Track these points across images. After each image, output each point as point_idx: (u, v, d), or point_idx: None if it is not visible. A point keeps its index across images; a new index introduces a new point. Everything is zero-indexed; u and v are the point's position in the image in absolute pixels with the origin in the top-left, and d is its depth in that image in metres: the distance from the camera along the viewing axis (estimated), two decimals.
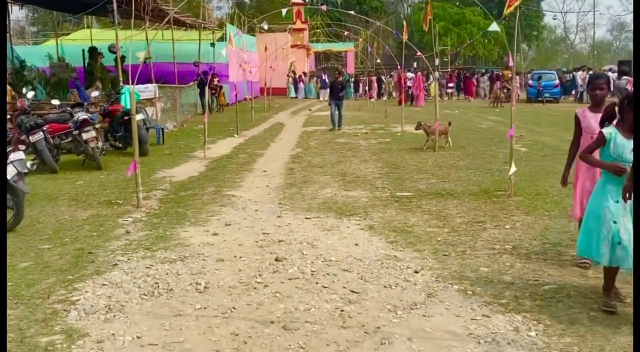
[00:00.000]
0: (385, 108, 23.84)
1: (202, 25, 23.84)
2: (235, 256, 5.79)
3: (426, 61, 19.56)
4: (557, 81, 32.39)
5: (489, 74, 39.49)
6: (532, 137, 15.68)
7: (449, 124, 14.18)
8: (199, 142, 14.12)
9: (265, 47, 26.60)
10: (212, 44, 25.02)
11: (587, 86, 5.55)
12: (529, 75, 36.50)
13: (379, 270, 5.33)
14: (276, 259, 5.62)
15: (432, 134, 13.29)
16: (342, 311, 4.43)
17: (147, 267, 5.47)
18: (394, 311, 4.41)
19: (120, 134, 13.54)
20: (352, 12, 18.89)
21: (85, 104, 13.17)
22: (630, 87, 14.10)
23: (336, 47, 54.30)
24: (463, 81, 39.08)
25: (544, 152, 13.04)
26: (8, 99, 14.90)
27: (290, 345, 3.89)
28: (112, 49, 17.54)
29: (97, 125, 11.77)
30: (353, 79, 42.60)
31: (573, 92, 33.39)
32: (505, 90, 29.48)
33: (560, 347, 3.81)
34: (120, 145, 13.74)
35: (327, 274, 5.24)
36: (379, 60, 31.57)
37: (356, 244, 6.15)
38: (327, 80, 37.08)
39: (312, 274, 5.23)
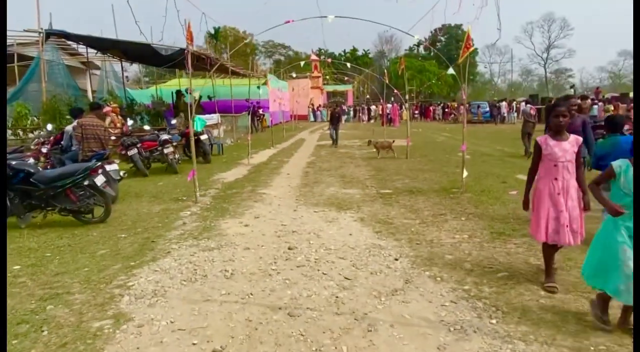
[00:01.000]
0: (373, 128, 22.79)
1: (250, 74, 22.96)
2: (258, 245, 4.91)
3: (400, 97, 18.50)
4: (488, 109, 31.11)
5: (441, 105, 38.44)
6: (474, 148, 14.56)
7: (392, 141, 13.09)
8: (246, 153, 13.26)
9: (292, 88, 25.65)
10: (258, 87, 24.21)
11: (548, 113, 3.71)
12: (469, 104, 35.15)
13: (367, 258, 4.42)
14: (289, 248, 4.74)
15: (381, 148, 12.38)
16: (337, 297, 3.53)
17: (191, 255, 4.61)
18: (378, 297, 3.51)
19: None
20: (348, 64, 17.75)
21: (168, 128, 12.40)
22: (533, 112, 13.11)
23: (340, 88, 53.18)
24: (422, 110, 38.90)
25: (483, 159, 11.98)
26: (118, 125, 14.20)
27: (292, 332, 3.01)
28: (187, 91, 16.74)
29: (175, 143, 10.94)
30: (352, 109, 41.52)
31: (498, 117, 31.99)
32: (452, 116, 28.32)
33: (519, 336, 2.89)
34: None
35: (327, 261, 4.34)
36: (368, 96, 30.53)
37: (350, 234, 5.24)
38: None
39: (315, 262, 4.33)
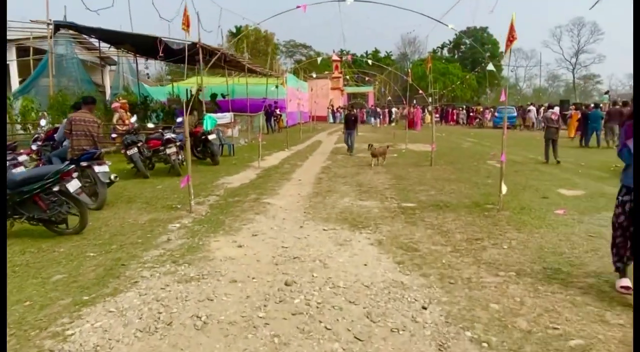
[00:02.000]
0: (394, 131, 21.58)
1: (269, 73, 22.05)
2: (248, 276, 3.86)
3: (425, 98, 17.28)
4: (516, 113, 29.55)
5: (465, 109, 36.96)
6: None
7: (387, 146, 11.97)
8: (258, 155, 12.31)
9: (312, 88, 24.66)
10: (276, 86, 23.31)
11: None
12: (494, 109, 33.52)
13: (386, 303, 3.32)
14: (286, 283, 3.68)
15: (379, 155, 11.39)
16: None
17: (162, 288, 3.61)
18: None
19: (199, 149, 11.91)
20: (370, 61, 16.53)
21: (174, 127, 11.53)
22: (554, 117, 12.05)
23: (361, 89, 51.85)
24: (443, 113, 37.81)
25: (515, 168, 10.66)
26: (127, 122, 13.44)
27: None
28: (199, 89, 15.89)
29: (179, 143, 10.04)
30: (373, 110, 40.26)
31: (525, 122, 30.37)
32: (478, 120, 26.83)
33: None
34: (200, 156, 12.09)
35: (333, 307, 3.26)
36: (389, 98, 29.33)
37: (365, 265, 4.14)
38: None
39: (317, 307, 3.26)
